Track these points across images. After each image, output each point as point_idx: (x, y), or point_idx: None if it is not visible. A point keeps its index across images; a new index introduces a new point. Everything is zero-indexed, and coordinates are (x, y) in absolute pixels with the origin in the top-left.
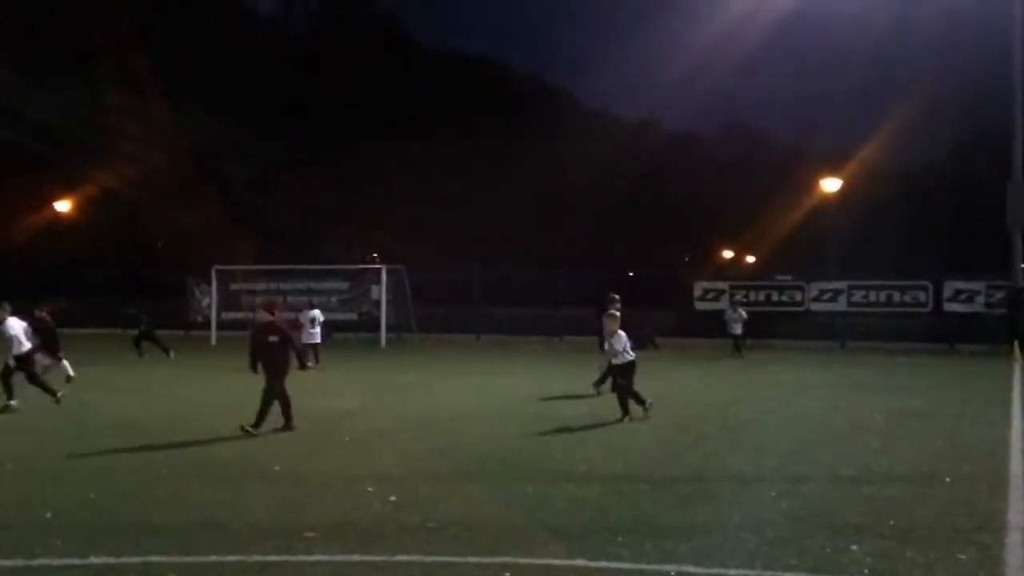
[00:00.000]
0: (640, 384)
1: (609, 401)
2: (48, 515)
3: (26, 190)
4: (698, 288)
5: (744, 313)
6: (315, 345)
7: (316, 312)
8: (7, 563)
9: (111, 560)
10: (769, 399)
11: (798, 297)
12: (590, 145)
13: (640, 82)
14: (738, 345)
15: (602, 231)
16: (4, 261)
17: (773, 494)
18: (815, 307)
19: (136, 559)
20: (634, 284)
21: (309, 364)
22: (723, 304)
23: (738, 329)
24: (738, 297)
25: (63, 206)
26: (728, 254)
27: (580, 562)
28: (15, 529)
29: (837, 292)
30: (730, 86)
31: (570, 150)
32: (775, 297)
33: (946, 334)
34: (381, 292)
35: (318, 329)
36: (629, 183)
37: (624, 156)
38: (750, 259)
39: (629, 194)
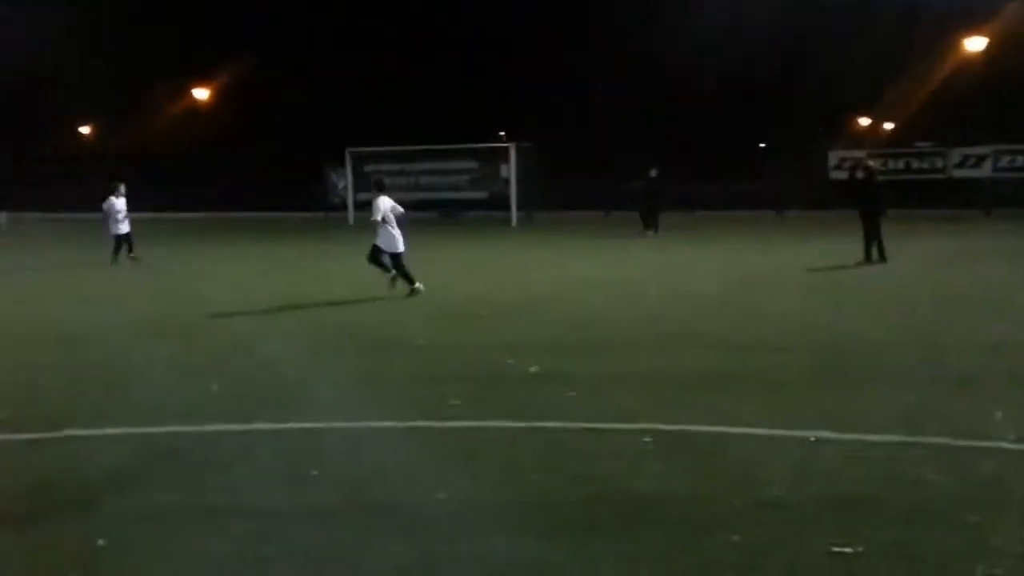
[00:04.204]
0: (769, 259)
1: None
2: (215, 386)
3: (165, 76)
4: (833, 157)
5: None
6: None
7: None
8: (182, 428)
9: (274, 426)
10: (908, 271)
11: (939, 164)
12: (717, 11)
13: None
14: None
15: (730, 103)
16: (146, 147)
17: (912, 362)
18: (957, 174)
19: (295, 425)
20: (766, 155)
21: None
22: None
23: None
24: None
25: (202, 93)
26: (864, 121)
27: (718, 428)
28: (186, 398)
29: (981, 158)
30: None
31: (696, 18)
32: (915, 165)
33: None
34: (510, 171)
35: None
36: (757, 50)
37: (750, 23)
38: (888, 126)
39: (755, 64)
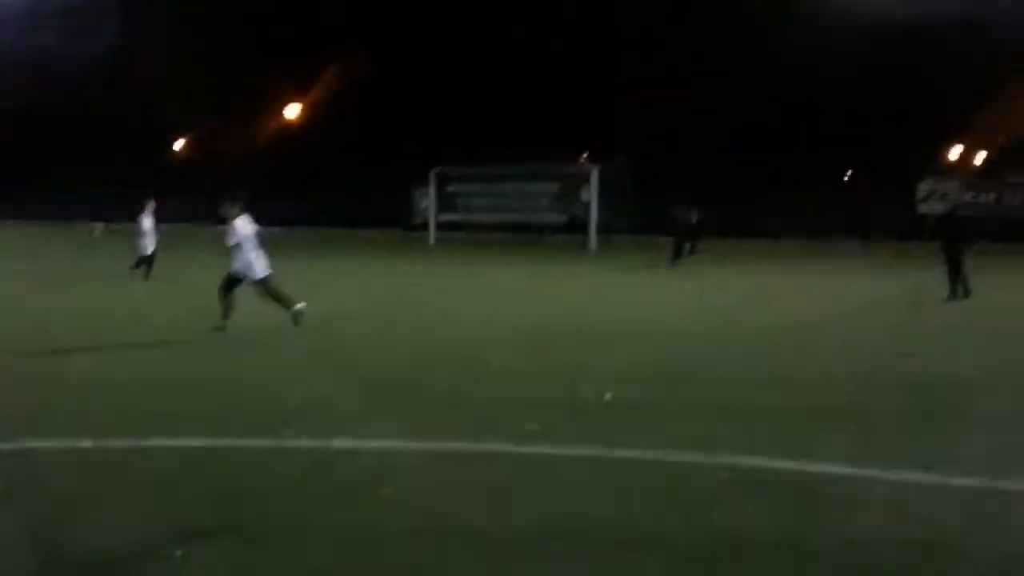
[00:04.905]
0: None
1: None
2: (294, 401)
3: (260, 95)
4: (922, 188)
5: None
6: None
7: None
8: (259, 442)
9: (350, 444)
10: (1001, 307)
11: None
12: (809, 31)
13: None
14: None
15: (818, 131)
16: (239, 163)
17: (1004, 402)
18: None
19: (374, 443)
20: (852, 184)
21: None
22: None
23: None
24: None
25: (292, 110)
26: (956, 151)
27: (799, 464)
28: (264, 413)
29: None
30: None
31: (785, 43)
32: (1006, 198)
33: None
34: (591, 193)
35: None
36: (846, 76)
37: (843, 45)
38: (980, 157)
39: (844, 90)
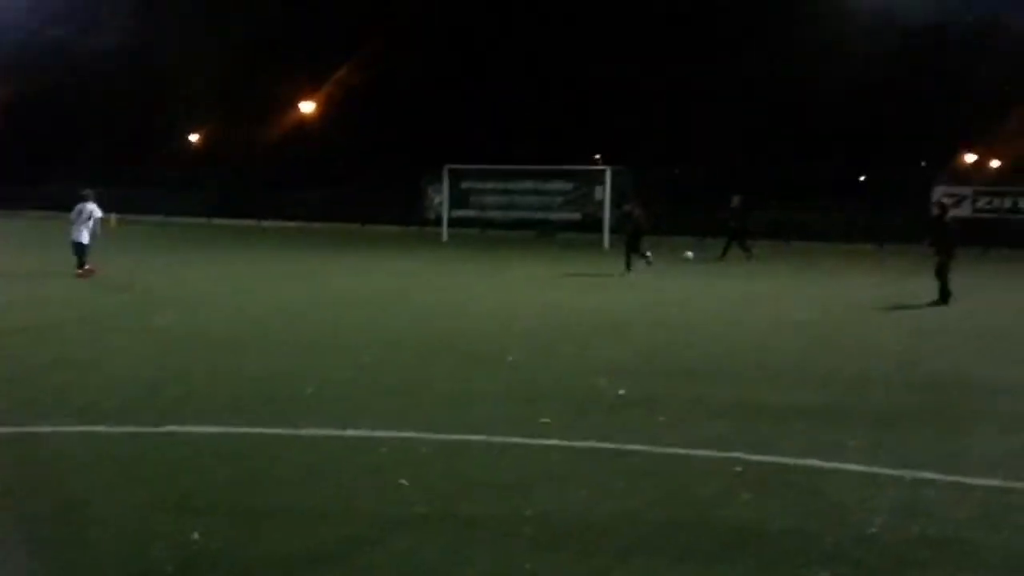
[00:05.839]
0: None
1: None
2: (309, 390)
3: (275, 89)
4: (936, 194)
5: None
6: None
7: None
8: (275, 431)
9: (367, 433)
10: (1017, 310)
11: None
12: (827, 35)
13: None
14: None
15: (832, 133)
16: (255, 159)
17: (1017, 404)
18: None
19: (389, 434)
20: (864, 188)
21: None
22: (964, 211)
23: None
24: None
25: (308, 106)
26: (971, 158)
27: (813, 462)
28: (281, 401)
29: None
30: None
31: (804, 38)
32: (1022, 203)
33: None
34: (604, 193)
35: (84, 227)
36: (862, 79)
37: (858, 50)
38: (995, 163)
39: (859, 93)
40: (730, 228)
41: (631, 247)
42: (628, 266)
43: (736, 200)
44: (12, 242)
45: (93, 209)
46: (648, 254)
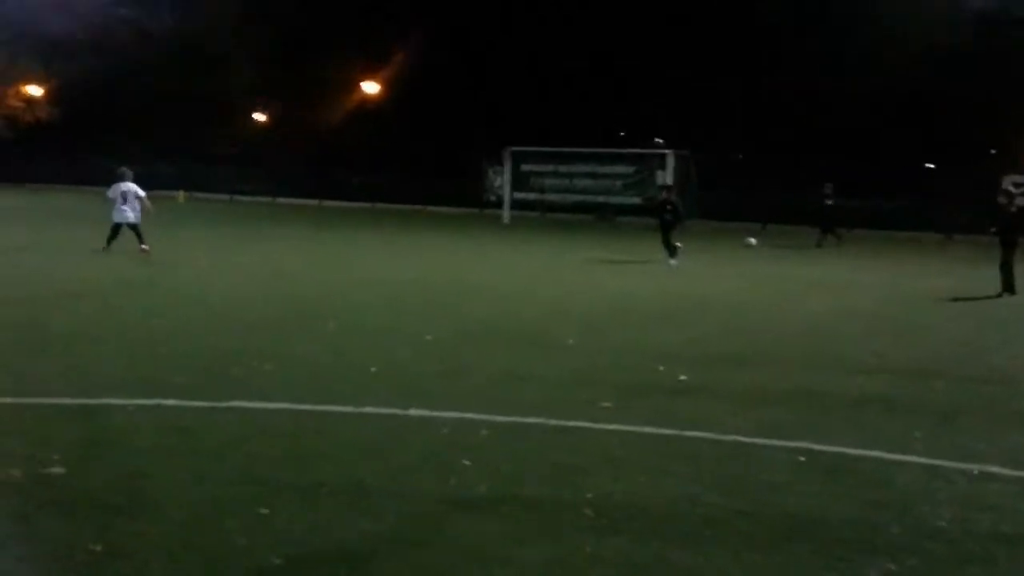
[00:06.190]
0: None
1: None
2: (373, 369)
3: (337, 71)
4: (1006, 183)
5: None
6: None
7: (124, 186)
8: (340, 408)
9: (429, 413)
10: None
11: None
12: (892, 19)
13: None
14: None
15: (900, 119)
16: (318, 139)
17: None
18: None
19: (450, 414)
20: (932, 177)
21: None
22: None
23: None
24: None
25: (371, 87)
26: None
27: (877, 453)
28: (346, 380)
29: None
30: None
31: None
32: None
33: None
34: (666, 177)
35: (128, 208)
36: (930, 64)
37: (923, 34)
38: None
39: (928, 78)
40: (825, 214)
41: (667, 234)
42: (672, 253)
43: (828, 188)
44: (84, 217)
45: (136, 189)
46: (678, 244)
